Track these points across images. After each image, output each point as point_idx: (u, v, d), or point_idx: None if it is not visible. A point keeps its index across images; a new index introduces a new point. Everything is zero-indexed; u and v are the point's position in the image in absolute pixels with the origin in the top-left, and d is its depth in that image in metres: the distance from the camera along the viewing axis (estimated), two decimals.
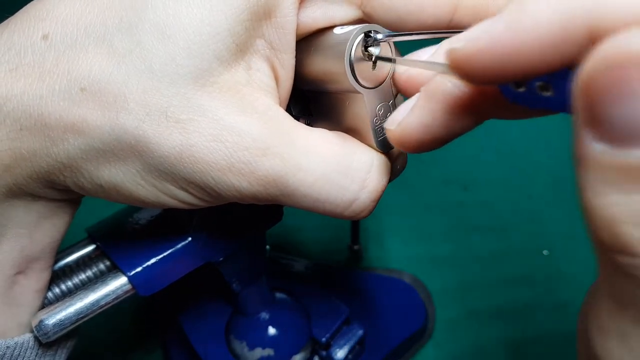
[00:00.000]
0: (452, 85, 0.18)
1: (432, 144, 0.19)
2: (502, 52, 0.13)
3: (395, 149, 0.23)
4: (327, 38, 0.21)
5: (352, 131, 0.22)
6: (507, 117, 0.18)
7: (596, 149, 0.11)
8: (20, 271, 0.22)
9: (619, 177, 0.11)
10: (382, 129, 0.21)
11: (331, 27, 0.22)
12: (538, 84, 0.15)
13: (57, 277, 0.26)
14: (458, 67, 0.14)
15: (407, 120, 0.19)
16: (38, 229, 0.22)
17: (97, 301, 0.24)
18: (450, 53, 0.14)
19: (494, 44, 0.13)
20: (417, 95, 0.19)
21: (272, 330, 0.37)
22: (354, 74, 0.20)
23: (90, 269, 0.27)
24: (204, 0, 0.19)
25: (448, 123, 0.18)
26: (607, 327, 0.14)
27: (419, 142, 0.19)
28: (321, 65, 0.21)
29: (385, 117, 0.21)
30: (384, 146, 0.21)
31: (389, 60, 0.20)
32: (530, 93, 0.15)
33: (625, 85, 0.10)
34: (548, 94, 0.15)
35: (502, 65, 0.13)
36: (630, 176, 0.11)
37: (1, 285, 0.22)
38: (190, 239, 0.27)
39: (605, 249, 0.12)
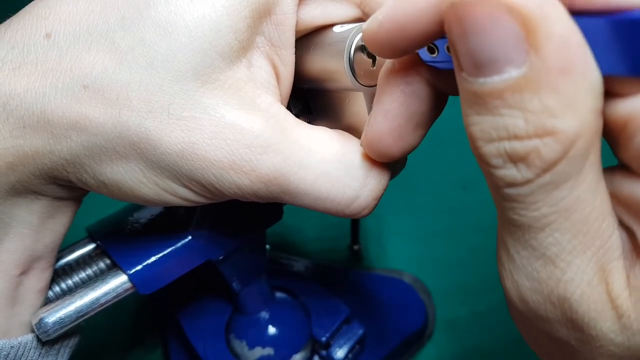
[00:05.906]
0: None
1: (406, 132, 0.19)
2: (395, 21, 0.15)
3: None
4: (326, 36, 0.21)
5: (353, 129, 0.22)
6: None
7: (461, 77, 0.13)
8: (24, 271, 0.22)
9: (473, 101, 0.13)
10: None
11: (331, 26, 0.22)
12: (445, 46, 0.16)
13: (57, 275, 0.26)
14: (370, 44, 0.16)
15: (372, 121, 0.19)
16: (41, 227, 0.22)
17: (97, 299, 0.24)
18: (362, 35, 0.16)
19: (388, 16, 0.15)
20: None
21: (272, 330, 0.37)
22: (354, 72, 0.20)
23: (91, 267, 0.27)
24: None
25: (408, 104, 0.18)
26: (500, 240, 0.16)
27: (393, 136, 0.19)
28: (321, 63, 0.21)
29: None
30: None
31: None
32: (442, 56, 0.16)
33: (462, 22, 0.12)
34: None
35: (400, 33, 0.15)
36: (480, 100, 0.13)
37: (7, 286, 0.22)
38: (190, 237, 0.27)
39: (478, 160, 0.14)
